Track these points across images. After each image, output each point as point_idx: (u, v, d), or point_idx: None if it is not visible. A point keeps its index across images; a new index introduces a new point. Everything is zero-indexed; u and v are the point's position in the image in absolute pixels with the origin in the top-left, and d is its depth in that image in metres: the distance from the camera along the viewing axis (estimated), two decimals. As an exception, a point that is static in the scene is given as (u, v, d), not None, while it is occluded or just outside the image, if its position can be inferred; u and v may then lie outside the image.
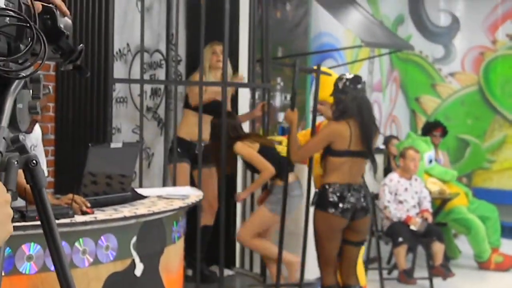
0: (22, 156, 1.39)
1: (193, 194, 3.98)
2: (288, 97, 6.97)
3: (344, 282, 4.64)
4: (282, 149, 5.28)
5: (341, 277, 4.64)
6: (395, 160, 7.10)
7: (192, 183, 5.51)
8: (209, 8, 5.39)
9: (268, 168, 5.24)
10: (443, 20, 9.85)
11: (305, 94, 7.45)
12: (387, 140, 7.76)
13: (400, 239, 6.12)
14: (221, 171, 5.36)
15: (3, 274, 2.68)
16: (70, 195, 3.13)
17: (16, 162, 1.35)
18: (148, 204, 3.56)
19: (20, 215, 2.79)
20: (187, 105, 5.76)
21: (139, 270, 3.31)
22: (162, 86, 6.10)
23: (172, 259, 3.65)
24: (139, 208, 3.39)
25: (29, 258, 2.82)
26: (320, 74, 5.06)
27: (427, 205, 6.38)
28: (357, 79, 4.58)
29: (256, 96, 6.13)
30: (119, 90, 5.69)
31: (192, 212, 4.93)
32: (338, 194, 4.41)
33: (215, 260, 5.55)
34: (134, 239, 3.28)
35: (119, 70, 5.55)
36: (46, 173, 3.80)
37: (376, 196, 6.35)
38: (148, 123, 6.02)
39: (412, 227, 6.16)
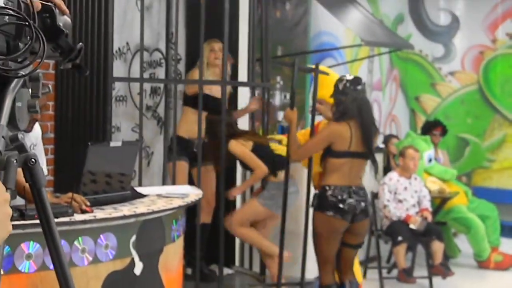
0: (21, 154, 1.39)
1: (193, 193, 3.98)
2: (288, 96, 6.97)
3: (340, 278, 4.67)
4: (282, 148, 5.29)
5: (338, 274, 4.67)
6: (395, 159, 7.10)
7: (190, 182, 5.51)
8: (209, 7, 5.39)
9: (260, 167, 5.29)
10: (443, 19, 9.85)
11: (305, 94, 7.45)
12: (387, 139, 7.75)
13: (400, 238, 6.11)
14: (220, 169, 5.37)
15: (2, 272, 2.68)
16: (70, 194, 3.13)
17: (15, 161, 1.35)
18: (147, 203, 3.55)
19: (19, 213, 2.79)
20: (186, 102, 5.78)
21: (138, 269, 3.31)
22: (161, 85, 6.10)
23: (172, 258, 3.65)
24: (139, 207, 3.39)
25: (29, 256, 2.82)
26: (318, 73, 5.07)
27: (426, 204, 6.38)
28: (357, 80, 4.59)
29: (256, 95, 6.13)
30: (118, 88, 5.69)
31: (191, 210, 4.93)
32: (338, 196, 4.41)
33: (214, 259, 5.55)
34: (133, 237, 3.28)
35: (118, 68, 5.55)
36: (46, 172, 3.80)
37: (375, 195, 6.36)
38: (148, 122, 6.02)
39: (412, 226, 6.16)
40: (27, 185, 1.44)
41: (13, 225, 1.19)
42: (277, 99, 7.33)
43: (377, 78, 9.02)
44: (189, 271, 5.57)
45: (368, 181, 5.20)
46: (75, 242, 3.01)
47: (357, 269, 4.96)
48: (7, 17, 1.30)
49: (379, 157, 6.96)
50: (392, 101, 9.51)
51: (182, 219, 3.81)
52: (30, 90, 1.42)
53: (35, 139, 3.46)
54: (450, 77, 9.77)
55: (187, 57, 6.33)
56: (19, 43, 1.34)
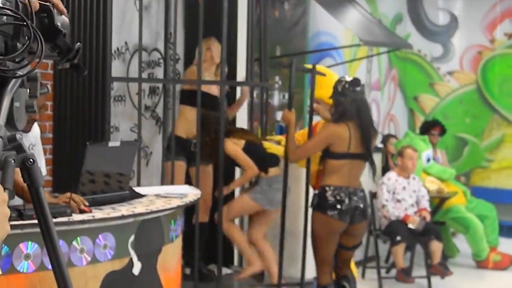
0: (19, 155, 1.39)
1: (191, 193, 3.98)
2: (287, 96, 6.97)
3: (338, 274, 4.69)
4: (279, 149, 5.30)
5: (335, 271, 4.69)
6: (393, 159, 7.10)
7: (188, 181, 5.51)
8: (207, 7, 5.39)
9: (251, 167, 5.32)
10: (442, 18, 9.85)
11: (303, 94, 7.44)
12: (385, 139, 7.76)
13: (398, 238, 6.11)
14: (219, 169, 5.37)
15: (0, 272, 2.68)
16: (68, 194, 3.12)
17: (13, 161, 1.35)
18: (146, 202, 3.55)
19: (17, 213, 2.78)
20: (183, 100, 5.78)
21: (137, 268, 3.31)
22: (160, 85, 6.11)
23: (170, 258, 3.64)
24: (137, 207, 3.39)
25: (27, 256, 2.82)
26: (315, 73, 5.07)
27: (425, 203, 6.38)
28: (356, 81, 4.59)
29: (255, 95, 6.14)
30: (117, 88, 5.69)
31: (189, 210, 4.93)
32: (337, 197, 4.42)
33: (213, 259, 5.55)
34: (132, 237, 3.28)
35: (117, 68, 5.55)
36: (45, 172, 3.80)
37: (374, 195, 6.36)
38: (146, 121, 6.02)
39: (410, 226, 6.16)
40: (25, 185, 1.44)
41: (11, 225, 1.19)
42: (276, 99, 7.33)
43: (375, 78, 9.02)
44: (187, 271, 5.56)
45: (366, 181, 5.20)
46: (74, 242, 3.01)
47: (353, 267, 4.98)
48: (5, 17, 1.30)
49: (378, 157, 6.97)
50: (391, 101, 9.52)
51: (180, 219, 3.81)
52: (28, 90, 1.42)
53: (34, 139, 3.46)
54: (449, 76, 9.78)
55: (186, 57, 6.33)
56: (17, 43, 1.34)
